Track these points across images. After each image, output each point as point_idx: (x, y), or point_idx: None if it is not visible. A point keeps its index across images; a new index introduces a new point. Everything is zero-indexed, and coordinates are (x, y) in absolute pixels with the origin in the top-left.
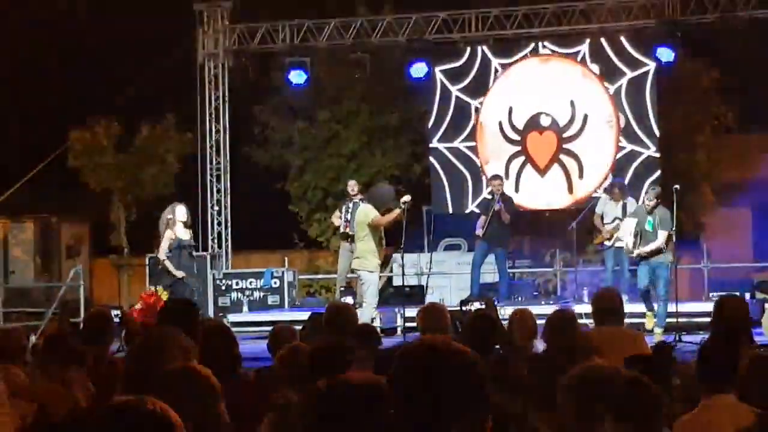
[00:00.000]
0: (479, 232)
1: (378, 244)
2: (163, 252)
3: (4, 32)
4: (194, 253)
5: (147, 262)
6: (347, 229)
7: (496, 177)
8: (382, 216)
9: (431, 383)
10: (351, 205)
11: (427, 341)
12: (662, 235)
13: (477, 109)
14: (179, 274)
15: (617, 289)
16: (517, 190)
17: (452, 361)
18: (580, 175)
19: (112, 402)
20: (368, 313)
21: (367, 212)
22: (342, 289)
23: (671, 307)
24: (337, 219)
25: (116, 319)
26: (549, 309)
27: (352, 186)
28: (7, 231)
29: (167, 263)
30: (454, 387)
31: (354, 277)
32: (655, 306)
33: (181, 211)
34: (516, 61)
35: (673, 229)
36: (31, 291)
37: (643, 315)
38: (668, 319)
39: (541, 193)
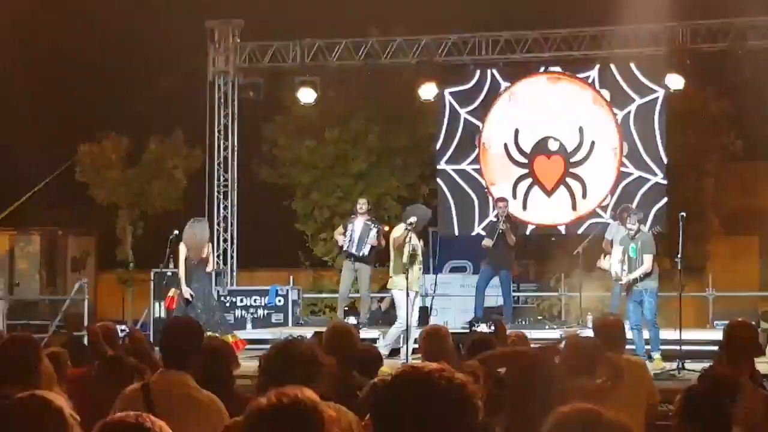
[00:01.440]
0: (487, 243)
1: (407, 263)
2: (212, 266)
3: (13, 45)
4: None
5: (152, 277)
6: (352, 249)
7: (501, 199)
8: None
9: (418, 412)
10: (362, 224)
11: (413, 369)
12: (648, 259)
13: (479, 130)
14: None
15: (620, 317)
16: (524, 208)
17: (439, 388)
18: (584, 196)
19: (110, 420)
20: (394, 332)
21: (393, 233)
22: (345, 309)
23: (674, 335)
24: (340, 237)
25: (121, 334)
26: (553, 333)
27: (362, 204)
28: (13, 243)
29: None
30: (442, 415)
31: (356, 296)
32: (646, 334)
33: None
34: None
35: (678, 257)
36: (35, 303)
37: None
38: (672, 347)
39: (547, 211)
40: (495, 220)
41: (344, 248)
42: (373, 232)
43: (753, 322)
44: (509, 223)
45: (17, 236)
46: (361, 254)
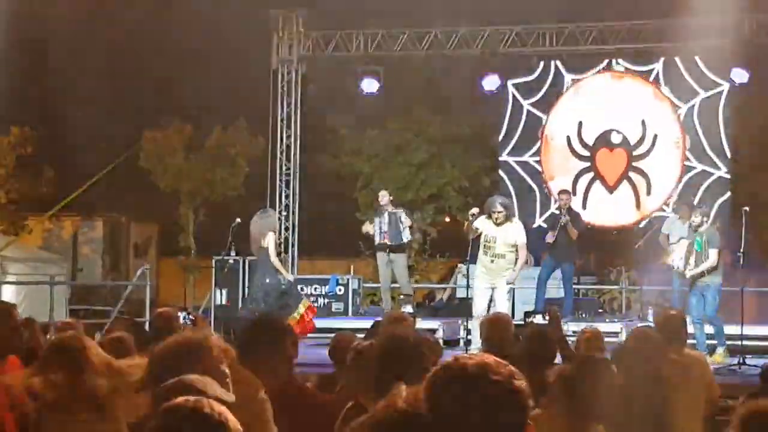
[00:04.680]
0: (550, 239)
1: (482, 254)
2: (273, 254)
3: (81, 33)
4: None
5: (213, 264)
6: (386, 240)
7: (564, 192)
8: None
9: (463, 405)
10: (387, 215)
11: (455, 361)
12: (713, 254)
13: (542, 122)
14: (289, 276)
15: (681, 311)
16: (584, 206)
17: (484, 382)
18: (648, 192)
19: (168, 405)
20: (474, 323)
21: None
22: (402, 297)
23: (736, 330)
24: (371, 228)
25: (182, 320)
26: (613, 327)
27: (383, 196)
28: (77, 229)
29: (278, 264)
30: (486, 407)
31: (396, 287)
32: (708, 328)
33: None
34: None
35: (741, 251)
36: (98, 289)
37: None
38: (733, 342)
39: (609, 209)
40: (557, 212)
41: (377, 241)
42: (403, 216)
43: None
44: (571, 216)
45: (81, 222)
46: (405, 241)
